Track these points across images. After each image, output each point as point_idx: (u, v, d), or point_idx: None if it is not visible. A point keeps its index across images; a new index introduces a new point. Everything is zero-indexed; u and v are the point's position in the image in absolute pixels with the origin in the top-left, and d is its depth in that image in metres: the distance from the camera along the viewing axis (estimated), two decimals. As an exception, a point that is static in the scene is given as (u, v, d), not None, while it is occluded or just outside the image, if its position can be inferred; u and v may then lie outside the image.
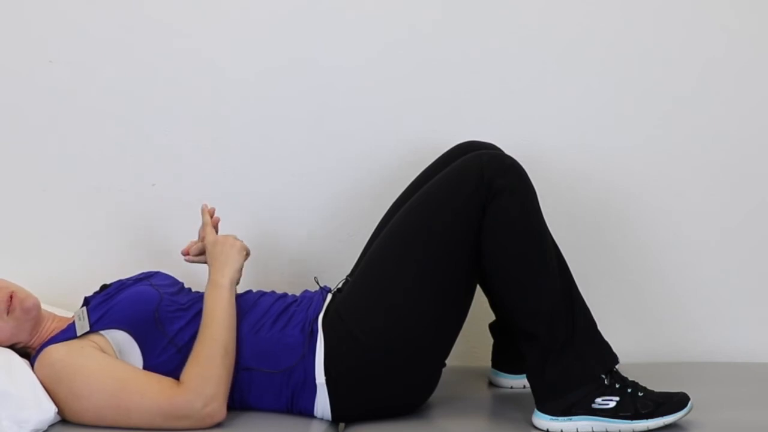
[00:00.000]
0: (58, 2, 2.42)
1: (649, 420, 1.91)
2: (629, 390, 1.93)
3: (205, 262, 2.11)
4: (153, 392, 1.89)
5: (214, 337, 1.94)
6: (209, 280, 2.04)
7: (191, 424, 1.89)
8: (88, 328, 1.97)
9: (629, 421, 1.91)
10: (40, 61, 2.42)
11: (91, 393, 1.89)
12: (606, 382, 1.94)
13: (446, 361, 2.06)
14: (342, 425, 2.02)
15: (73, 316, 2.06)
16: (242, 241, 2.12)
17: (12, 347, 2.01)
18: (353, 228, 2.43)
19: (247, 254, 2.13)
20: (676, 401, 1.93)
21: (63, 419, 1.93)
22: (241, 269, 2.08)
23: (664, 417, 1.92)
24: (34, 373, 1.93)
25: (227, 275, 2.04)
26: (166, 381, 1.92)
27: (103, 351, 1.95)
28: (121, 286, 2.13)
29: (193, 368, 1.91)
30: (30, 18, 2.42)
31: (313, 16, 2.43)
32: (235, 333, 1.97)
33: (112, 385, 1.89)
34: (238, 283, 2.07)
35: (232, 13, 2.44)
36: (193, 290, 2.19)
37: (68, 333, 1.99)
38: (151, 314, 1.99)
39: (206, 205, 2.19)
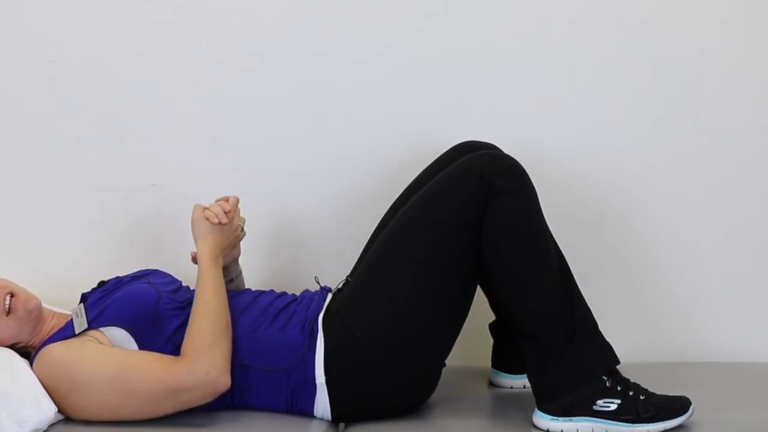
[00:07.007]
0: (58, 2, 2.42)
1: (650, 424, 1.91)
2: (631, 393, 1.93)
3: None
4: (154, 369, 1.89)
5: (206, 306, 1.94)
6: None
7: (196, 397, 1.89)
8: (86, 326, 1.97)
9: (630, 424, 1.91)
10: (40, 61, 2.42)
11: (92, 380, 1.89)
12: (608, 383, 1.93)
13: (446, 361, 2.06)
14: (342, 425, 2.02)
15: (71, 314, 2.06)
16: (206, 210, 2.05)
17: (12, 347, 2.01)
18: (353, 228, 2.42)
19: (236, 225, 2.11)
20: (678, 406, 1.93)
21: (66, 417, 1.93)
22: (219, 240, 2.04)
23: (665, 421, 1.91)
24: (34, 372, 1.93)
25: (203, 250, 2.02)
26: (165, 357, 1.92)
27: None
28: (118, 282, 2.13)
29: (190, 341, 1.91)
30: (30, 18, 2.42)
31: (312, 16, 2.43)
32: (226, 301, 1.98)
33: (113, 368, 1.90)
34: (225, 254, 2.07)
35: (233, 13, 2.43)
36: (191, 288, 2.19)
37: (66, 331, 1.98)
38: (149, 312, 1.99)
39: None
